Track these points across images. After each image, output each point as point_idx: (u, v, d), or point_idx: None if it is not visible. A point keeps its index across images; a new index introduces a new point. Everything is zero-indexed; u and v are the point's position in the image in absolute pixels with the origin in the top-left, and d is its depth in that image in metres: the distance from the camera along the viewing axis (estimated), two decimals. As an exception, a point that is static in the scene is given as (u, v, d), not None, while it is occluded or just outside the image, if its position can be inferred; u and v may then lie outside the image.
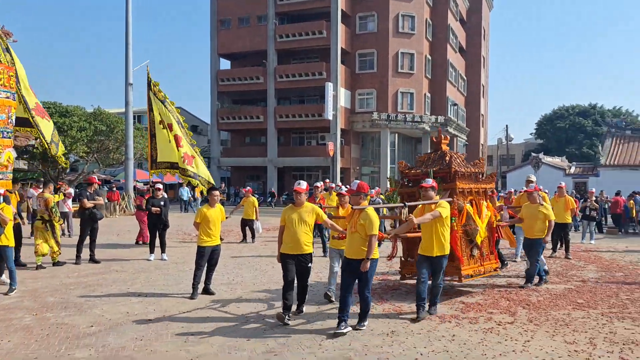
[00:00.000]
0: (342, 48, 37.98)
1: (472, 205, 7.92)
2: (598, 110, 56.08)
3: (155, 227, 11.08)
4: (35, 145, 11.58)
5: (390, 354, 5.16)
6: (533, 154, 38.65)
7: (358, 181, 6.34)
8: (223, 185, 36.01)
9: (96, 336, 5.71)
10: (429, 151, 41.36)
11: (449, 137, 9.14)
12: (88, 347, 5.35)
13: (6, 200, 8.06)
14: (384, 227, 13.60)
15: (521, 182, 21.88)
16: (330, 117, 35.85)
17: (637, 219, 18.83)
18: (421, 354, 5.16)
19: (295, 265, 6.42)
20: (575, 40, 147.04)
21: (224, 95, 42.41)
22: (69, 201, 15.18)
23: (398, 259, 8.48)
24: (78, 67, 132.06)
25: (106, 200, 20.92)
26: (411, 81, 39.70)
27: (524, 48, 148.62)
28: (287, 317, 6.20)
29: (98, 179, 12.64)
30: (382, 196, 17.67)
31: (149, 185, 14.56)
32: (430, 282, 6.80)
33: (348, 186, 13.31)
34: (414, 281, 8.86)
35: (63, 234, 13.60)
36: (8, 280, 7.84)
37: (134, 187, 26.40)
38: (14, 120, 9.34)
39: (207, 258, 7.68)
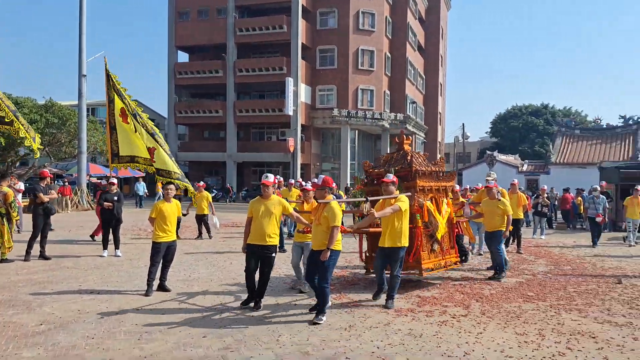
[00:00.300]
0: (302, 43, 37.90)
1: (432, 202, 8.19)
2: (549, 110, 58.18)
3: (108, 223, 10.79)
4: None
5: (348, 348, 5.19)
6: (488, 152, 39.70)
7: (323, 176, 6.59)
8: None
9: (45, 335, 5.51)
10: (388, 148, 41.97)
11: (410, 137, 9.52)
12: (37, 346, 5.16)
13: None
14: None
15: (476, 179, 22.45)
16: (291, 113, 35.76)
17: (585, 215, 19.61)
18: (378, 348, 5.22)
19: (259, 256, 6.58)
20: (527, 43, 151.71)
21: (182, 89, 41.63)
22: (19, 196, 14.59)
23: (357, 254, 8.60)
24: (29, 57, 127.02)
25: (58, 195, 20.23)
26: (371, 78, 40.02)
27: (480, 48, 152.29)
28: (252, 304, 6.57)
29: (50, 173, 12.17)
30: (340, 192, 17.84)
31: (104, 181, 14.12)
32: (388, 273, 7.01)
33: (310, 181, 13.43)
34: (371, 276, 9.03)
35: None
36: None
37: (89, 181, 25.67)
38: None
39: (162, 254, 7.52)
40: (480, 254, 11.71)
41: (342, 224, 6.69)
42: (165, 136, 42.44)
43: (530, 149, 52.97)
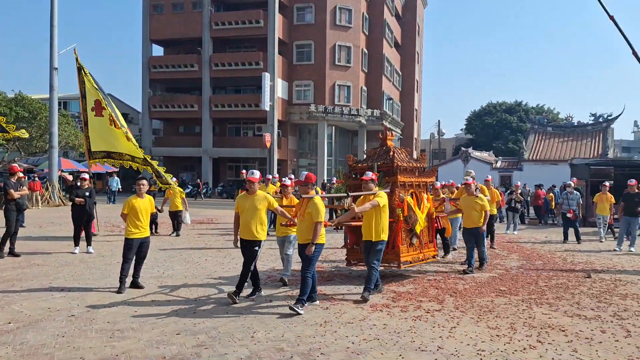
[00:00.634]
0: (279, 38, 37.72)
1: (412, 198, 8.42)
2: (523, 107, 59.14)
3: (79, 219, 10.58)
4: None
5: (323, 344, 5.20)
6: (463, 149, 40.22)
7: (306, 172, 6.81)
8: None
9: (14, 333, 5.38)
10: (365, 144, 42.13)
11: (394, 133, 9.80)
12: (5, 344, 5.04)
13: None
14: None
15: (451, 175, 22.72)
16: (267, 108, 35.57)
17: (557, 211, 20.01)
18: (353, 343, 5.24)
19: (244, 250, 6.83)
20: (501, 41, 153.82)
21: (157, 83, 41.05)
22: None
23: (334, 249, 8.63)
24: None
25: (29, 192, 19.78)
26: (348, 74, 40.08)
27: (455, 46, 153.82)
28: (254, 295, 6.93)
29: (20, 168, 11.84)
30: (317, 188, 17.82)
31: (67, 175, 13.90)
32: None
33: (290, 177, 13.42)
34: (347, 271, 9.10)
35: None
36: None
37: (59, 176, 25.12)
38: None
39: (135, 250, 7.41)
40: (455, 249, 11.86)
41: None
42: (139, 131, 42.14)
43: (504, 146, 53.80)
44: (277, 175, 18.07)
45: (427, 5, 58.83)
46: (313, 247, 6.40)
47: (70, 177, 24.77)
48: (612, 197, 14.04)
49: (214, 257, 10.48)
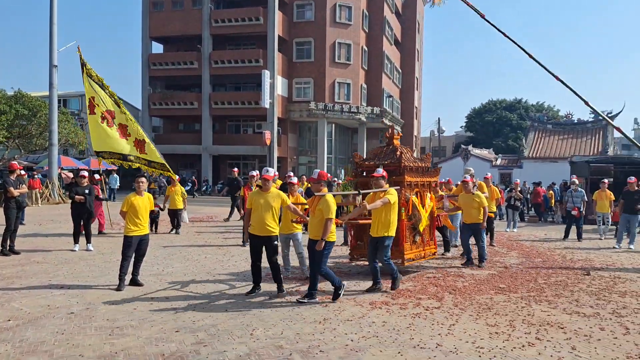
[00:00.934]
0: (279, 36, 37.65)
1: (417, 197, 8.62)
2: (522, 105, 59.09)
3: (79, 217, 10.59)
4: None
5: (322, 341, 5.20)
6: (463, 146, 40.17)
7: (318, 170, 6.95)
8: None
9: (13, 331, 5.39)
10: (365, 141, 42.10)
11: (401, 133, 10.04)
12: (4, 342, 5.05)
13: None
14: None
15: (451, 173, 22.70)
16: (267, 106, 35.53)
17: (561, 208, 19.97)
18: (352, 340, 5.24)
19: (262, 246, 6.96)
20: (501, 39, 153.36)
21: (156, 80, 40.99)
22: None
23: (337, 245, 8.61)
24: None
25: (28, 190, 19.78)
26: (348, 72, 40.02)
27: (455, 43, 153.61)
28: (253, 293, 7.00)
29: (20, 166, 11.84)
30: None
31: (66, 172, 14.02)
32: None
33: (289, 175, 13.42)
34: (347, 269, 9.11)
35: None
36: None
37: (59, 174, 25.12)
38: None
39: (134, 248, 7.42)
40: (455, 246, 11.87)
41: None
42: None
43: (504, 143, 53.76)
44: (276, 173, 17.99)
45: (427, 2, 58.66)
46: (323, 243, 6.54)
47: (70, 175, 24.78)
48: (612, 194, 14.01)
49: (213, 254, 10.48)
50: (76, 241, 10.58)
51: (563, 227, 16.44)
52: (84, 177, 10.93)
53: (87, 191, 10.64)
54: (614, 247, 12.48)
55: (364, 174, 8.98)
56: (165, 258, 9.92)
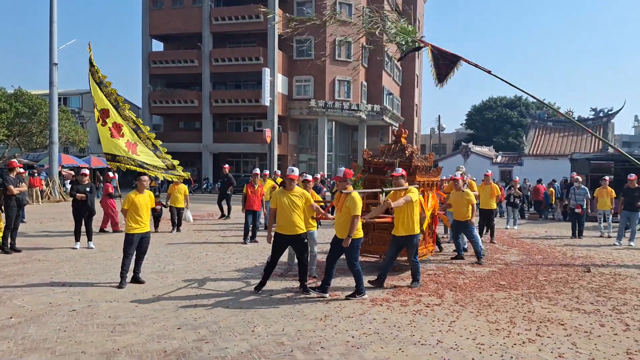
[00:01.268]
0: (279, 33, 37.60)
1: (423, 196, 8.70)
2: (523, 102, 59.01)
3: (80, 214, 10.59)
4: None
5: (323, 338, 5.22)
6: (463, 144, 40.17)
7: (344, 168, 7.02)
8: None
9: (15, 328, 5.41)
10: (365, 139, 41.99)
11: (407, 131, 10.12)
12: (7, 339, 5.07)
13: None
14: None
15: (451, 170, 22.70)
16: (268, 103, 35.50)
17: (561, 205, 19.98)
18: (353, 337, 5.26)
19: (292, 246, 7.12)
20: (502, 36, 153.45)
21: (157, 78, 40.95)
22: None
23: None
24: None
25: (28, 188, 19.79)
26: (348, 69, 39.97)
27: (456, 40, 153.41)
28: (262, 289, 7.04)
29: (19, 164, 11.81)
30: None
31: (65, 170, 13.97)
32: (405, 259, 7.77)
33: (287, 173, 13.30)
34: (347, 266, 9.11)
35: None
36: None
37: (60, 172, 25.13)
38: None
39: (135, 246, 7.43)
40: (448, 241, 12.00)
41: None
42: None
43: (504, 141, 53.75)
44: (278, 172, 18.04)
45: (428, 1, 58.65)
46: (350, 240, 6.62)
47: (72, 173, 24.78)
48: (613, 191, 13.99)
49: (214, 252, 10.50)
50: (77, 239, 10.60)
51: (564, 224, 16.48)
52: (85, 174, 10.93)
53: (88, 189, 10.64)
54: (614, 244, 12.49)
55: (371, 171, 9.10)
56: (167, 255, 9.94)
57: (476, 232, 10.08)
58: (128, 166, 13.09)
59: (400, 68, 50.80)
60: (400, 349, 4.95)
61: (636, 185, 12.37)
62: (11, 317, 5.77)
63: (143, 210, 7.43)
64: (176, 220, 13.64)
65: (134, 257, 7.52)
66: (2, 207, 9.93)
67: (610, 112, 36.69)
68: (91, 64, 13.19)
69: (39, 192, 22.22)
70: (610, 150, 30.96)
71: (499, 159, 38.15)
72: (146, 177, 7.76)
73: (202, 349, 4.89)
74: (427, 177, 9.16)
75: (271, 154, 35.73)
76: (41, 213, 17.81)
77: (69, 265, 8.84)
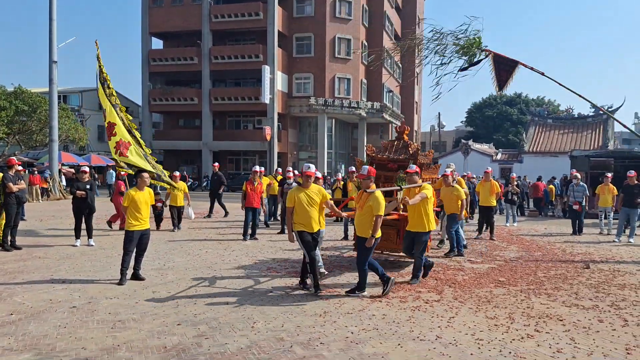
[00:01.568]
0: (279, 31, 37.58)
1: None
2: (523, 99, 59.03)
3: (80, 212, 10.60)
4: None
5: (322, 334, 5.24)
6: (463, 141, 40.20)
7: (367, 167, 6.93)
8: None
9: (16, 324, 5.43)
10: (365, 136, 41.99)
11: (409, 127, 10.17)
12: (7, 335, 5.09)
13: None
14: None
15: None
16: (267, 101, 35.50)
17: (561, 202, 19.97)
18: (352, 333, 5.28)
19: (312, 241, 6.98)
20: (501, 32, 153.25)
21: (156, 76, 40.94)
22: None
23: (332, 241, 8.68)
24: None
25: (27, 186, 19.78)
26: (348, 67, 39.97)
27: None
28: (319, 290, 6.82)
29: (18, 161, 11.78)
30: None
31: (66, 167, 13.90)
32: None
33: (289, 170, 13.45)
34: (347, 263, 9.14)
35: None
36: None
37: (60, 170, 25.15)
38: None
39: (135, 243, 7.45)
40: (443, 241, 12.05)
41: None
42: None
43: (504, 138, 53.75)
44: (279, 170, 18.02)
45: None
46: (373, 239, 6.54)
47: (72, 171, 24.80)
48: (615, 188, 13.95)
49: (214, 249, 10.52)
50: (77, 236, 10.62)
51: (564, 222, 16.49)
52: (85, 172, 10.93)
53: (88, 186, 10.65)
54: (613, 241, 12.51)
55: (374, 167, 9.08)
56: (167, 253, 9.96)
57: (462, 231, 10.42)
58: (121, 166, 13.04)
59: (400, 65, 50.75)
60: (399, 344, 4.97)
61: (636, 182, 12.38)
62: (11, 314, 5.78)
63: (143, 207, 7.44)
64: (176, 219, 13.57)
65: (134, 254, 7.54)
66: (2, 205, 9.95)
67: (610, 109, 36.68)
68: (99, 62, 13.17)
69: (38, 190, 22.23)
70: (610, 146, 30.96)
71: (499, 157, 38.17)
72: (147, 174, 7.77)
73: (201, 344, 4.91)
74: (427, 174, 9.32)
75: (271, 151, 35.74)
76: (41, 211, 17.83)
77: (69, 262, 8.86)
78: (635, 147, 57.76)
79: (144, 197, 7.50)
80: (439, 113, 79.66)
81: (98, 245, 10.59)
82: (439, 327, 5.51)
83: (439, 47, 9.81)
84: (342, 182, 14.80)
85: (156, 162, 11.28)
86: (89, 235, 10.72)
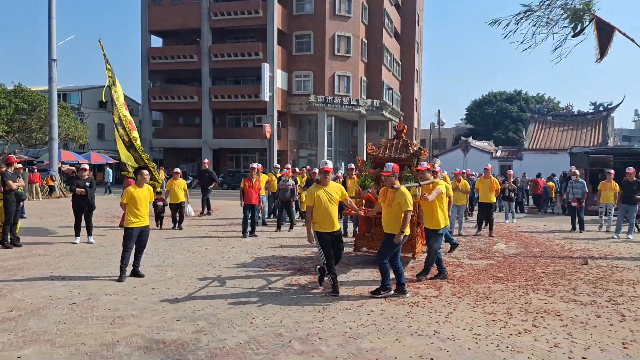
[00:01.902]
0: (278, 29, 37.55)
1: None
2: (523, 96, 59.03)
3: (80, 209, 10.63)
4: None
5: (321, 329, 5.26)
6: (463, 138, 40.20)
7: (391, 164, 6.82)
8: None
9: (16, 321, 5.45)
10: (365, 134, 41.98)
11: (407, 126, 10.23)
12: (7, 331, 5.11)
13: None
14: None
15: (451, 165, 22.74)
16: (267, 99, 35.50)
17: (561, 199, 19.97)
18: (350, 328, 5.30)
19: (332, 241, 6.79)
20: (501, 30, 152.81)
21: (156, 74, 40.93)
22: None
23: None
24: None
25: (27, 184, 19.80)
26: (348, 64, 39.94)
27: (455, 35, 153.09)
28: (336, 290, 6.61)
29: (17, 159, 11.78)
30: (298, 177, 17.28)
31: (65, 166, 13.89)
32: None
33: (286, 168, 13.47)
34: (346, 260, 9.13)
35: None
36: None
37: (59, 168, 25.17)
38: None
39: (135, 240, 7.47)
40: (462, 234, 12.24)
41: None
42: (139, 122, 42.30)
43: (504, 135, 53.78)
44: (278, 166, 18.06)
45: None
46: (402, 235, 6.47)
47: (72, 168, 24.81)
48: (617, 185, 13.86)
49: (214, 246, 10.55)
50: (77, 234, 10.64)
51: (563, 218, 16.50)
52: (85, 169, 10.95)
53: (88, 184, 10.67)
54: (612, 237, 12.53)
55: (375, 165, 9.21)
56: (166, 249, 9.98)
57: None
58: (124, 173, 13.00)
59: (400, 63, 50.75)
60: (397, 339, 5.00)
61: (634, 178, 12.39)
62: (12, 310, 5.81)
63: (142, 204, 7.46)
64: (177, 217, 13.56)
65: (133, 250, 7.56)
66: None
67: (610, 106, 36.69)
68: (107, 65, 13.21)
69: (38, 188, 22.26)
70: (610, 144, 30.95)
71: (498, 154, 38.19)
72: (147, 171, 7.79)
73: (200, 340, 4.93)
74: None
75: (271, 149, 35.75)
76: (41, 209, 17.85)
77: (68, 259, 8.88)
78: (636, 144, 57.79)
79: (144, 194, 7.52)
80: (439, 110, 79.52)
81: (98, 243, 10.61)
82: (437, 322, 5.53)
83: (548, 13, 9.27)
84: (341, 180, 14.78)
85: (163, 149, 11.47)
86: (89, 233, 10.74)
